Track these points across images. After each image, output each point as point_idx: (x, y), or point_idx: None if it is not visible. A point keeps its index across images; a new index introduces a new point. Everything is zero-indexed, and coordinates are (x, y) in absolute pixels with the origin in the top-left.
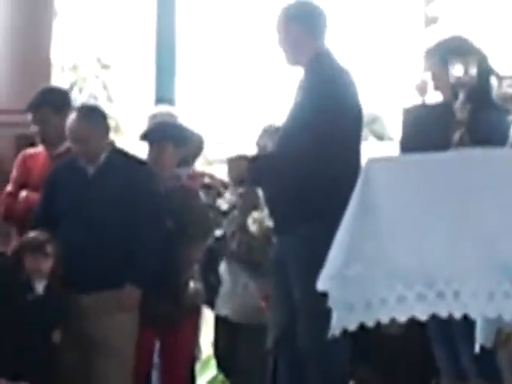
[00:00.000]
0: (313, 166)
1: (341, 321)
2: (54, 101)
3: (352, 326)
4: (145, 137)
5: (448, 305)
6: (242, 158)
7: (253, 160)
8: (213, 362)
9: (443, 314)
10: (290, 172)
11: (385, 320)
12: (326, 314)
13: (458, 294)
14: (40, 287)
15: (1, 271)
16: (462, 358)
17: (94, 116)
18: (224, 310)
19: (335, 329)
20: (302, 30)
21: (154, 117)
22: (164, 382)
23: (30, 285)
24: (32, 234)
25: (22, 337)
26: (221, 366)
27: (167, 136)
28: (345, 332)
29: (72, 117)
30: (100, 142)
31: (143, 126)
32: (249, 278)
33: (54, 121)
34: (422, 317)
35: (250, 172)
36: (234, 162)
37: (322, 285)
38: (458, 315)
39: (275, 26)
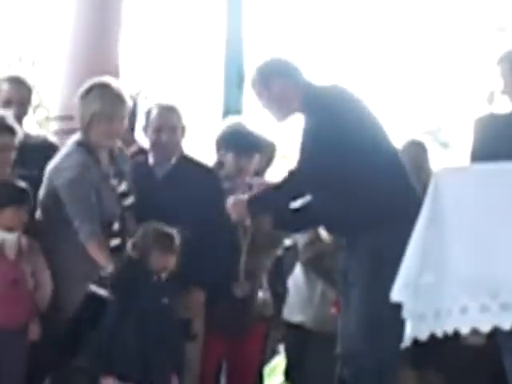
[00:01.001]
0: (342, 177)
1: (413, 330)
2: None
3: (423, 336)
4: (235, 146)
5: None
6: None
7: (252, 199)
8: (280, 369)
9: (506, 326)
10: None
11: (450, 331)
12: (384, 324)
13: None
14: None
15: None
16: None
17: (178, 109)
18: (298, 317)
19: (408, 338)
20: (284, 82)
21: (231, 126)
22: None
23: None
24: (158, 228)
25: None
26: (289, 372)
27: (258, 146)
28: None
29: (157, 109)
30: (181, 138)
31: (212, 134)
32: (326, 285)
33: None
34: (485, 328)
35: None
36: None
37: (396, 295)
38: None
39: (254, 91)
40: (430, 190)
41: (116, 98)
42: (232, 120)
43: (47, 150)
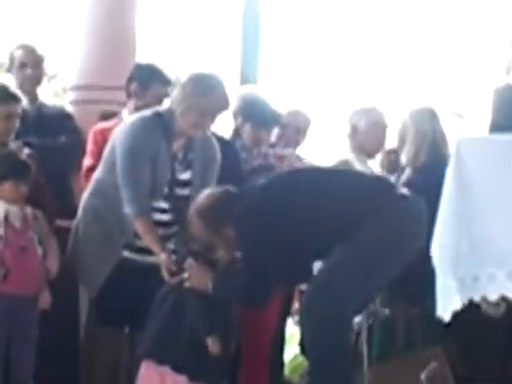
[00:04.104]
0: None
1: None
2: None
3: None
4: (254, 118)
5: None
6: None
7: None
8: (295, 340)
9: None
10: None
11: (477, 298)
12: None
13: None
14: None
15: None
16: None
17: None
18: None
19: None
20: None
21: (250, 97)
22: (246, 358)
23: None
24: None
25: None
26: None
27: (277, 119)
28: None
29: (218, 90)
30: None
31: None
32: None
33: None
34: None
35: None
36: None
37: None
38: None
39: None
40: (452, 162)
41: (221, 98)
42: (250, 89)
43: (62, 119)
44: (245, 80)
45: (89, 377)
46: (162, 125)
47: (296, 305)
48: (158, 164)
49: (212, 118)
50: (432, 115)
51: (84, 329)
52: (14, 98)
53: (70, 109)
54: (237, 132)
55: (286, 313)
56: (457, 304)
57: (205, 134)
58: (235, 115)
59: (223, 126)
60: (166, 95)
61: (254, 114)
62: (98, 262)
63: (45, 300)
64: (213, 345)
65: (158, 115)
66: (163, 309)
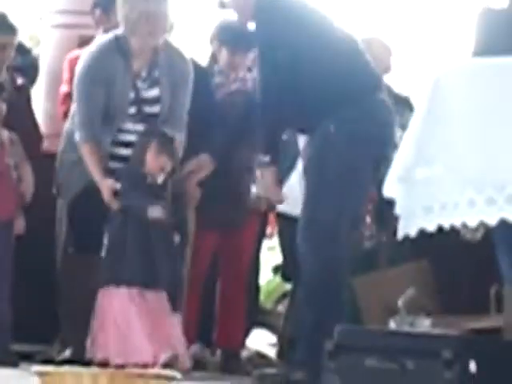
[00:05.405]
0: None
1: (416, 222)
2: None
3: (431, 227)
4: (231, 42)
5: None
6: None
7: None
8: (269, 265)
9: None
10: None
11: (457, 223)
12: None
13: None
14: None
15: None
16: None
17: None
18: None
19: (409, 229)
20: None
21: (227, 20)
22: (224, 283)
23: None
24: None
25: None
26: (284, 263)
27: (253, 44)
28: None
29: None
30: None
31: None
32: None
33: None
34: (492, 221)
35: None
36: None
37: (388, 190)
38: None
39: None
40: (430, 84)
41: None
42: (226, 14)
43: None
44: (222, 4)
45: (66, 300)
46: (118, 46)
47: (270, 228)
48: (116, 85)
49: (163, 20)
50: None
51: (61, 253)
52: (11, 29)
53: (52, 33)
54: (214, 57)
55: (261, 236)
56: (431, 226)
57: (172, 48)
58: (211, 40)
59: (201, 52)
60: None
61: (230, 38)
62: (71, 187)
63: (19, 225)
64: None
65: (116, 38)
66: (112, 238)
